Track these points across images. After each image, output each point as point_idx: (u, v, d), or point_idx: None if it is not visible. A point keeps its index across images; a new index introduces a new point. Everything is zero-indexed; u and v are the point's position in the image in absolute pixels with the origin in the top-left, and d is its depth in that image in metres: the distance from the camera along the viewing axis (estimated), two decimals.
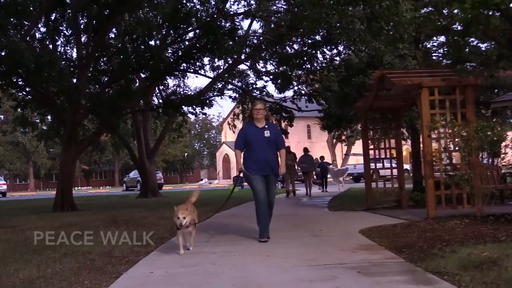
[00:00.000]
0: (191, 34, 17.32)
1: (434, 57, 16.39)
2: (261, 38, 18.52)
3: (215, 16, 15.78)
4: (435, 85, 8.01)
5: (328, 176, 21.63)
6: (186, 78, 22.99)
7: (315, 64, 17.28)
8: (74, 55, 16.60)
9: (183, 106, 18.40)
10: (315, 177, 22.31)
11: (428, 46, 16.16)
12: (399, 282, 3.85)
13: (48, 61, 11.93)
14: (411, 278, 3.94)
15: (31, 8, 13.63)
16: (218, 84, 20.61)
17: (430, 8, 13.51)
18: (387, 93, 9.99)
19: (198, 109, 19.81)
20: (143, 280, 4.34)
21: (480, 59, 15.24)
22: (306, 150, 18.20)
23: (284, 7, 16.82)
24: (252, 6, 17.08)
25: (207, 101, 19.45)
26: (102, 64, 16.76)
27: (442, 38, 15.82)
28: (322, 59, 17.23)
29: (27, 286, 4.17)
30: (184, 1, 15.55)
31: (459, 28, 12.14)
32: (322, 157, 21.63)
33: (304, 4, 11.94)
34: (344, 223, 8.15)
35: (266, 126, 6.42)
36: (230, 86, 21.15)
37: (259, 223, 6.37)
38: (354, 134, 24.01)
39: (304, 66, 17.44)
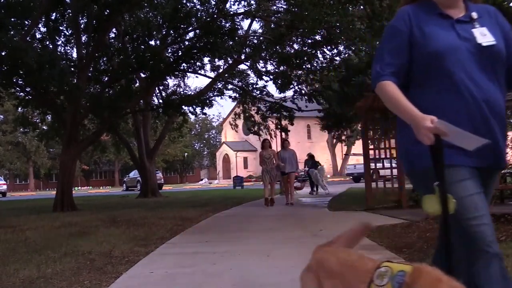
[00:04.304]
0: (191, 34, 17.38)
1: None
2: (261, 38, 18.53)
3: (215, 16, 15.79)
4: None
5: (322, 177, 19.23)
6: (186, 78, 23.03)
7: (315, 64, 17.31)
8: (74, 55, 16.65)
9: (183, 106, 18.43)
10: (298, 184, 18.98)
11: None
12: None
13: (48, 60, 11.94)
14: None
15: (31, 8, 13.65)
16: (218, 84, 20.65)
17: None
18: None
19: (198, 109, 19.85)
20: (143, 280, 4.34)
21: None
22: (285, 143, 13.61)
23: (284, 7, 16.84)
24: (252, 6, 17.10)
25: (207, 101, 19.47)
26: (102, 64, 16.77)
27: None
28: (322, 59, 17.27)
29: (27, 286, 4.16)
30: (184, 1, 15.58)
31: None
32: (311, 156, 19.71)
33: (305, 3, 11.95)
34: (344, 223, 8.14)
35: (474, 17, 2.17)
36: (230, 86, 21.20)
37: None
38: (354, 134, 24.03)
39: (304, 66, 17.46)
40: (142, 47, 15.88)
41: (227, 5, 16.51)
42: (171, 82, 22.21)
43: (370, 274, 1.68)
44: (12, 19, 12.65)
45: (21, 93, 15.69)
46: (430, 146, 1.94)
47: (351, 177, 33.83)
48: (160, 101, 21.04)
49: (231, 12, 16.95)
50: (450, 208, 1.93)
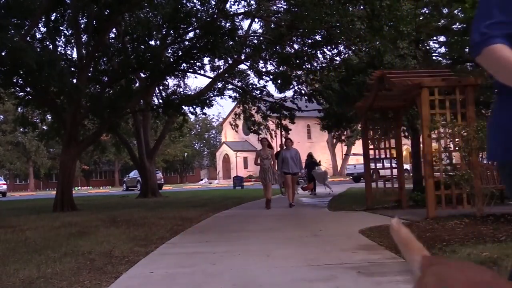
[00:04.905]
0: (191, 34, 17.39)
1: (434, 57, 16.39)
2: (261, 38, 18.53)
3: (215, 16, 15.80)
4: (435, 85, 8.01)
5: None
6: (186, 78, 23.03)
7: (315, 64, 17.31)
8: (74, 55, 16.65)
9: (183, 106, 18.42)
10: (301, 183, 18.52)
11: (430, 44, 16.16)
12: (399, 282, 3.84)
13: (48, 60, 11.95)
14: (411, 278, 3.93)
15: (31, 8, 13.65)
16: (218, 84, 20.65)
17: (431, 8, 13.52)
18: (387, 93, 10.00)
19: (198, 109, 19.84)
20: (143, 280, 4.33)
21: None
22: (287, 141, 12.88)
23: (284, 7, 16.84)
24: (252, 6, 17.10)
25: (207, 101, 19.47)
26: (102, 64, 16.77)
27: (442, 38, 15.83)
28: (322, 59, 17.27)
29: (27, 286, 4.16)
30: (184, 1, 15.58)
31: (459, 27, 12.15)
32: (310, 155, 19.44)
33: (305, 3, 11.95)
34: (344, 223, 8.15)
35: None
36: (230, 86, 21.21)
37: None
38: (354, 134, 24.02)
39: (304, 66, 17.46)
40: (142, 47, 15.88)
41: (227, 5, 16.52)
42: (171, 82, 22.26)
43: None
44: (12, 19, 12.65)
45: (21, 93, 15.70)
46: None
47: (351, 177, 33.83)
48: (160, 101, 21.03)
49: (231, 12, 16.96)
50: None
